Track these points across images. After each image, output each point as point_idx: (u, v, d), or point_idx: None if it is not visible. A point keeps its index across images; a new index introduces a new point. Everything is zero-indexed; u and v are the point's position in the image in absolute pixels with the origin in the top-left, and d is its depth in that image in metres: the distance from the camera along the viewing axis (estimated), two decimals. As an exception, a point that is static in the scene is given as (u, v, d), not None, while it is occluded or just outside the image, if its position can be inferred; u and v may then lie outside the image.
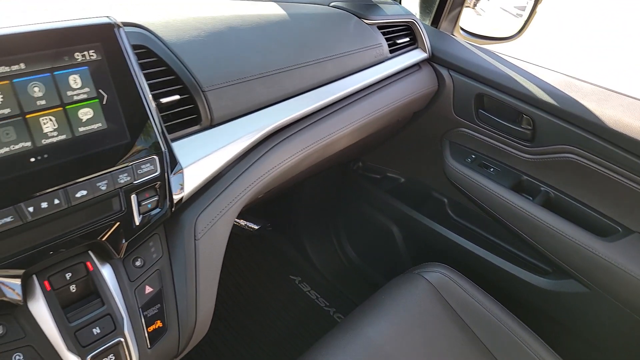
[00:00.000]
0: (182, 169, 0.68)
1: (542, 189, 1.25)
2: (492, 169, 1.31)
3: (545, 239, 1.21)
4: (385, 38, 1.12)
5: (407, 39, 1.21)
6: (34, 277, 0.56)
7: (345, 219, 1.81)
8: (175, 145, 0.68)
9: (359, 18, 1.07)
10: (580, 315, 1.24)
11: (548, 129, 1.16)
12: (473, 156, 1.34)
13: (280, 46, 0.88)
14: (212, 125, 0.76)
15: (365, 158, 1.67)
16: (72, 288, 0.58)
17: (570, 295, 1.24)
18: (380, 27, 1.12)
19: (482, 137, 1.29)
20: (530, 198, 1.24)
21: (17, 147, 0.52)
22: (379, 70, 1.10)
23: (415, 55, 1.22)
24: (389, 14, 1.16)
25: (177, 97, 0.71)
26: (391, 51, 1.14)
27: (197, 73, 0.73)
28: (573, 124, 1.12)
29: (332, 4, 1.06)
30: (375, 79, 1.08)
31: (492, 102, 1.25)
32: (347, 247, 1.80)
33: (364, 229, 1.74)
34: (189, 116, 0.73)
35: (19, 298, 0.53)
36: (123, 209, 0.61)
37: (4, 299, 0.52)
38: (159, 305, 0.65)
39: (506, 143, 1.26)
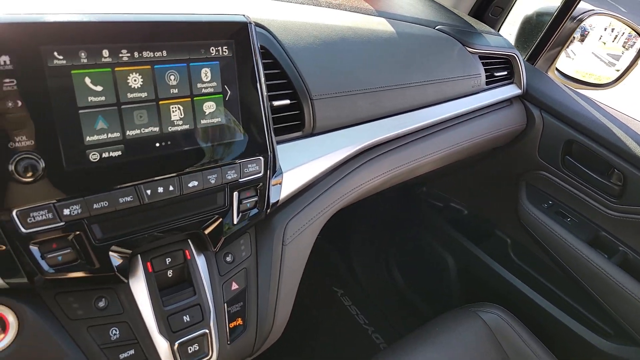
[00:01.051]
0: (282, 173, 0.69)
1: (620, 248, 1.19)
2: (569, 219, 1.25)
3: (615, 300, 1.14)
4: (484, 69, 1.10)
5: (505, 73, 1.18)
6: (139, 257, 0.57)
7: (398, 241, 1.78)
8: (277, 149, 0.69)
9: (463, 45, 1.05)
10: (641, 388, 1.17)
11: None
12: (550, 202, 1.29)
13: (387, 64, 0.87)
14: (312, 134, 0.76)
15: (431, 184, 1.64)
16: (169, 273, 0.59)
17: (633, 364, 1.17)
18: (481, 57, 1.10)
19: (564, 184, 1.24)
20: (606, 256, 1.18)
21: (146, 130, 0.54)
22: (474, 100, 1.08)
23: (510, 91, 1.19)
24: (492, 44, 1.13)
25: (287, 101, 0.72)
26: (487, 83, 1.12)
27: (309, 80, 0.74)
28: None
29: (438, 27, 1.04)
30: (468, 109, 1.06)
31: (581, 150, 1.20)
32: (395, 269, 1.77)
33: (417, 254, 1.71)
34: (293, 122, 0.74)
35: (126, 272, 0.55)
36: (226, 204, 0.62)
37: (113, 273, 0.53)
38: (241, 303, 0.65)
39: (590, 195, 1.20)
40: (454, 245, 1.55)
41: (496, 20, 1.33)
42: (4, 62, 0.43)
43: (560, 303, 1.32)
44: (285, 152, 0.71)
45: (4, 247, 0.47)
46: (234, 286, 0.65)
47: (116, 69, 0.51)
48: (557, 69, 1.40)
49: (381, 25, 0.92)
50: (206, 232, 0.61)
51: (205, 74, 0.58)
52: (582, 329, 1.26)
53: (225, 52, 0.59)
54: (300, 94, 0.73)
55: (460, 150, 1.08)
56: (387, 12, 0.99)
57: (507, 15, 1.33)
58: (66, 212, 0.49)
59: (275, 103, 0.69)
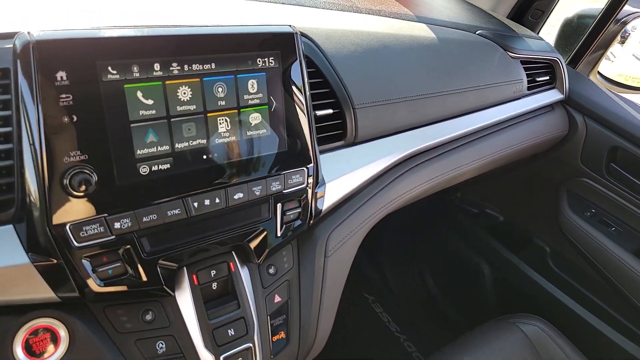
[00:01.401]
0: (324, 183, 0.68)
1: None
2: (613, 228, 1.20)
3: None
4: (526, 74, 1.06)
5: (547, 77, 1.14)
6: (184, 269, 0.57)
7: (430, 247, 1.75)
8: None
9: (504, 50, 1.02)
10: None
11: None
12: (593, 210, 1.24)
13: (428, 71, 0.86)
14: (354, 143, 0.75)
15: (465, 189, 1.61)
16: (214, 286, 0.59)
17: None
18: (522, 62, 1.06)
19: (608, 192, 1.20)
20: None
21: (194, 143, 0.54)
22: (515, 107, 1.05)
23: (552, 96, 1.15)
24: (534, 49, 1.10)
25: (330, 110, 0.71)
26: (529, 88, 1.08)
27: (351, 89, 0.73)
28: None
29: (478, 32, 1.02)
30: (510, 116, 1.03)
31: (627, 157, 1.15)
32: (428, 276, 1.74)
33: (450, 261, 1.67)
34: (335, 131, 0.73)
35: (172, 285, 0.55)
36: (270, 216, 0.61)
37: (160, 286, 0.53)
38: (284, 316, 0.65)
39: (635, 204, 1.15)
40: (490, 253, 1.51)
41: (536, 23, 1.29)
42: (61, 77, 0.44)
43: (603, 315, 1.27)
44: (327, 162, 0.70)
45: (55, 261, 0.47)
46: (277, 299, 0.64)
47: (167, 82, 0.51)
48: (599, 73, 1.35)
49: (422, 31, 0.91)
50: (250, 244, 0.60)
51: (252, 85, 0.58)
52: (626, 342, 1.21)
53: (271, 62, 0.59)
54: (342, 103, 0.72)
55: (500, 158, 1.05)
56: (427, 17, 0.97)
57: (547, 18, 1.29)
58: (117, 225, 0.49)
59: (318, 113, 0.69)
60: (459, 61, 0.92)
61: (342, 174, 0.71)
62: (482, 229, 1.55)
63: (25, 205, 0.46)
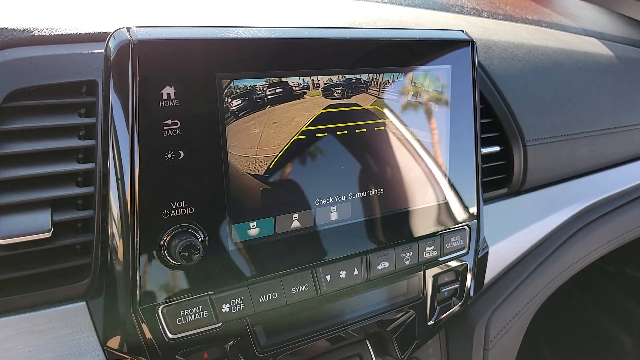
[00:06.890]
0: (488, 247, 0.50)
1: None
2: None
3: None
4: None
5: None
6: None
7: (552, 313, 1.46)
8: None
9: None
10: None
11: None
12: None
13: (610, 99, 0.66)
14: (519, 191, 0.57)
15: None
16: None
17: None
18: None
19: None
20: None
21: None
22: None
23: None
24: None
25: (496, 148, 0.53)
26: None
27: (522, 119, 0.55)
28: None
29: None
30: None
31: None
32: (547, 350, 1.46)
33: (578, 331, 1.39)
34: (497, 175, 0.54)
35: None
36: (420, 294, 0.44)
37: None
38: None
39: None
40: (633, 323, 1.23)
41: None
42: (168, 95, 0.30)
43: None
44: (485, 216, 0.51)
45: None
46: None
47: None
48: None
49: (595, 47, 0.71)
50: (393, 332, 0.43)
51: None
52: None
53: (437, 80, 0.42)
54: (510, 138, 0.54)
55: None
56: (595, 31, 0.77)
57: None
58: (225, 308, 0.34)
59: (483, 150, 0.51)
60: (642, 86, 0.71)
61: (507, 234, 0.53)
62: (621, 292, 1.27)
63: (104, 275, 0.32)
